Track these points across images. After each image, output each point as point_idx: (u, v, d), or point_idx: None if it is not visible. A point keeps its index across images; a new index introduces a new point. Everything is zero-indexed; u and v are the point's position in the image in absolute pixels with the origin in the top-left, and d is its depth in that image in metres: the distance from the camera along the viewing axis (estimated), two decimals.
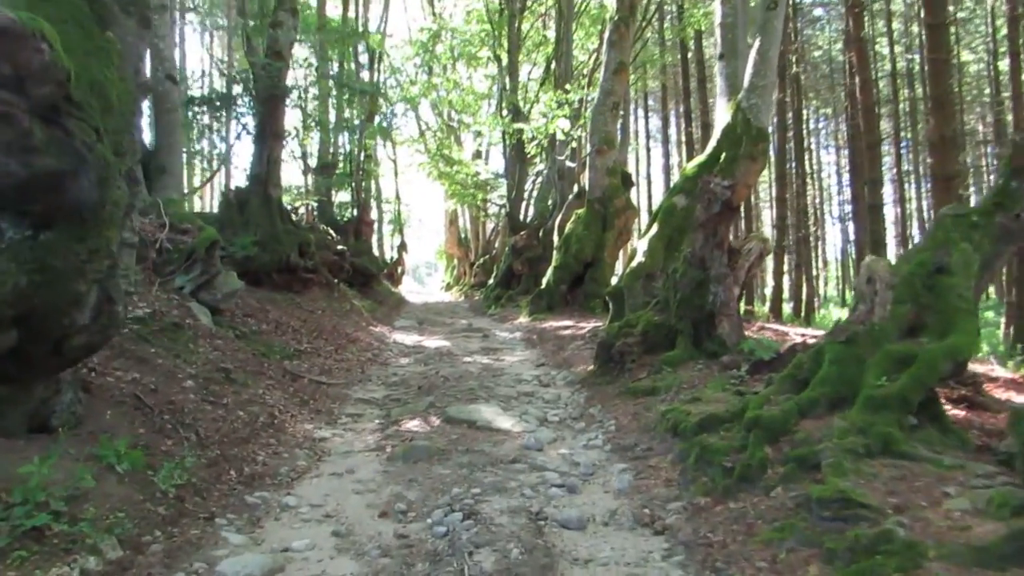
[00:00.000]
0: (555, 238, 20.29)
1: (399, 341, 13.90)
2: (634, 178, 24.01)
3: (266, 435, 6.34)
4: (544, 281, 18.81)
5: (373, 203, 33.94)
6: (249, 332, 9.63)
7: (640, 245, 11.97)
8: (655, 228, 11.92)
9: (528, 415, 7.31)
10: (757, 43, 11.40)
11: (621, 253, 22.49)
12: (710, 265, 7.95)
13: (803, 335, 10.48)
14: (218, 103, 14.44)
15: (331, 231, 19.99)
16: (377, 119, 29.77)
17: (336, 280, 17.02)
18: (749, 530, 3.86)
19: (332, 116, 26.09)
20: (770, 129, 12.45)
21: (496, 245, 46.38)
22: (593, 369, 8.87)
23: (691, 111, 33.41)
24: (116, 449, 4.54)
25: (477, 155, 42.99)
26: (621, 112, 18.53)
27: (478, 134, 39.28)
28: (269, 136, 14.36)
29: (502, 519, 4.40)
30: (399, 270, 36.97)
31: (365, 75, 28.96)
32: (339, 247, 18.11)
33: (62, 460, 4.16)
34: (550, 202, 29.72)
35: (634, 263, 11.79)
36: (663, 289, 8.60)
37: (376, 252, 34.18)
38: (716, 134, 11.94)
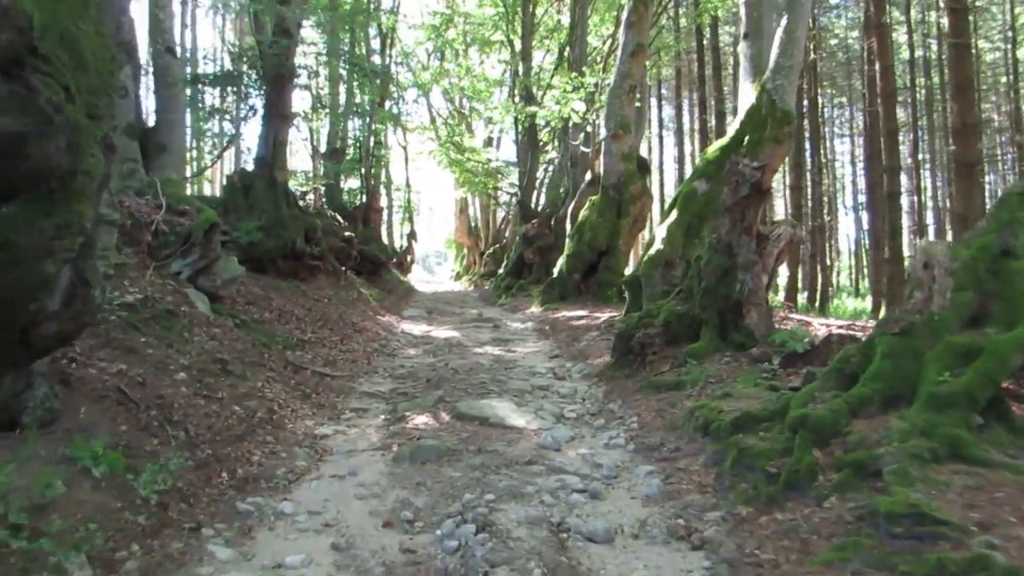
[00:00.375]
0: (568, 226, 19.81)
1: (407, 331, 13.46)
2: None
3: (263, 432, 5.89)
4: (556, 270, 18.33)
5: (383, 190, 33.48)
6: (250, 320, 9.19)
7: (658, 232, 11.48)
8: (674, 214, 11.42)
9: (544, 411, 6.85)
10: (784, 21, 10.85)
11: (637, 241, 21.95)
12: (737, 252, 7.45)
13: (827, 325, 10.00)
14: (224, 81, 13.96)
15: (339, 217, 19.53)
16: (388, 105, 29.32)
17: (343, 268, 16.58)
18: (804, 547, 3.38)
19: (342, 100, 25.66)
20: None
21: (506, 234, 45.91)
22: (611, 361, 8.39)
23: (706, 99, 32.78)
24: (93, 450, 4.11)
25: (488, 143, 42.48)
26: (638, 97, 17.95)
27: (489, 121, 38.74)
28: (275, 117, 13.90)
29: (520, 531, 3.94)
30: (408, 259, 36.54)
31: (376, 59, 28.46)
32: (347, 234, 17.65)
33: (29, 463, 3.72)
34: (562, 190, 29.23)
35: (652, 251, 11.30)
36: (687, 278, 8.11)
37: (386, 240, 33.79)
38: (739, 116, 11.41)
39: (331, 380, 8.25)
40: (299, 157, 33.25)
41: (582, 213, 17.62)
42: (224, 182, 14.51)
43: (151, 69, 9.49)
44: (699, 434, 5.26)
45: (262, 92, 14.13)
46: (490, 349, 11.00)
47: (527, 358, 10.15)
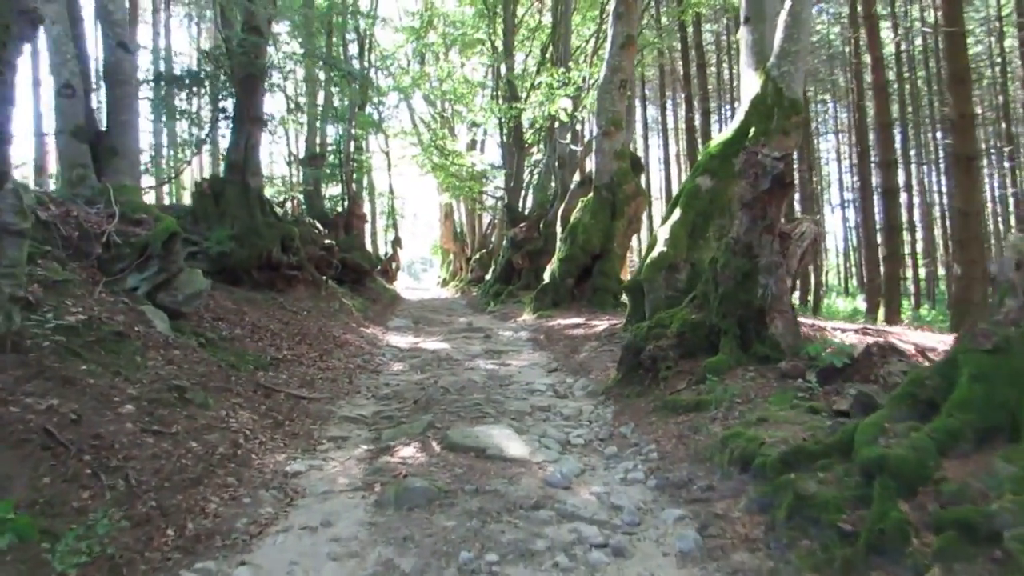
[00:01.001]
0: (558, 229, 19.04)
1: (393, 344, 12.61)
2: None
3: (224, 472, 5.06)
4: (548, 275, 17.53)
5: (366, 197, 32.60)
6: (218, 339, 8.34)
7: (660, 233, 10.70)
8: (677, 213, 10.64)
9: (547, 437, 6.04)
10: (788, 3, 10.13)
11: (632, 243, 21.18)
12: (759, 252, 6.67)
13: (842, 329, 9.24)
14: (187, 81, 13.08)
15: (318, 225, 18.68)
16: (368, 110, 28.50)
17: (324, 277, 15.74)
18: None
19: (320, 104, 24.80)
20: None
21: (493, 239, 45.17)
22: (618, 377, 7.58)
23: (691, 97, 32.12)
24: None
25: (472, 146, 41.74)
26: (628, 92, 17.19)
27: (473, 124, 37.98)
28: (247, 120, 13.06)
29: None
30: (393, 266, 35.73)
31: (355, 64, 27.62)
32: (327, 242, 16.81)
33: None
34: (550, 192, 28.49)
35: (655, 253, 10.52)
36: (702, 283, 7.31)
37: (370, 248, 32.95)
38: (743, 106, 10.66)
39: (307, 403, 7.41)
40: (278, 164, 32.41)
41: (574, 215, 16.83)
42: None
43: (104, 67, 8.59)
44: (735, 469, 4.47)
45: (231, 94, 13.27)
46: (483, 363, 10.18)
47: (523, 373, 9.34)
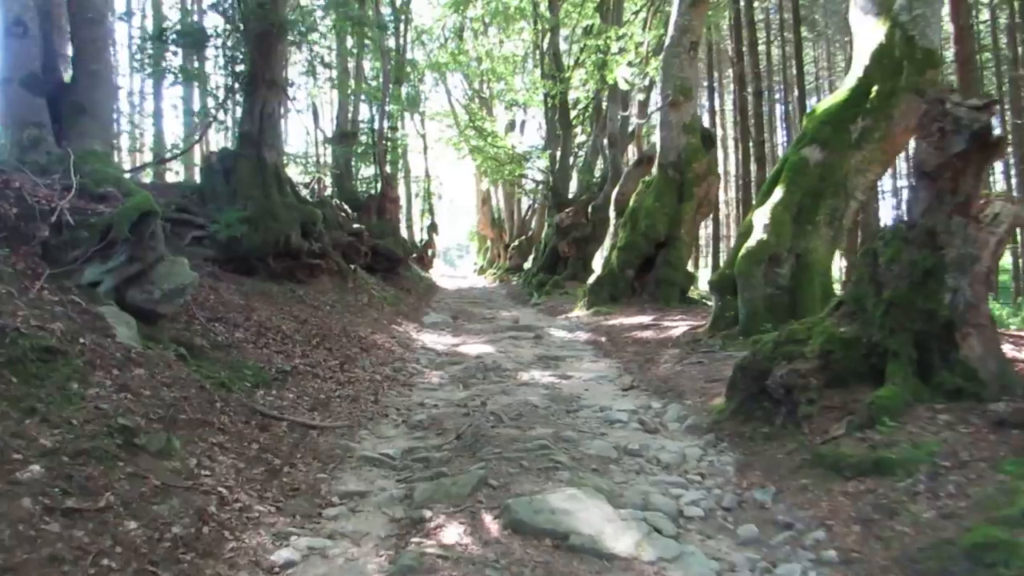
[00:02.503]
0: (611, 214, 17.15)
1: (429, 346, 10.81)
2: None
3: (174, 574, 3.28)
4: (600, 264, 15.64)
5: (400, 180, 30.90)
6: (208, 347, 6.58)
7: (757, 217, 8.73)
8: (778, 192, 8.67)
9: (652, 508, 4.17)
10: None
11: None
12: (946, 242, 4.72)
13: None
14: (194, 39, 11.34)
15: (346, 208, 16.94)
16: (404, 91, 26.75)
17: (352, 266, 14.00)
18: None
19: (352, 78, 23.04)
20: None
21: (533, 225, 43.35)
22: (729, 406, 5.68)
23: (744, 75, 29.81)
24: None
25: (511, 127, 39.87)
26: (701, 57, 15.15)
27: (513, 103, 36.10)
28: (262, 84, 11.31)
29: None
30: (429, 253, 34.07)
31: (391, 42, 25.88)
32: (356, 226, 15.06)
33: None
34: (597, 173, 26.54)
35: (751, 242, 8.57)
36: (857, 284, 5.35)
37: (404, 234, 31.37)
38: (860, 60, 8.65)
39: (318, 435, 5.63)
40: (299, 138, 30.75)
41: (633, 198, 14.90)
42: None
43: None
44: None
45: (243, 54, 11.51)
46: (538, 374, 8.33)
47: (592, 391, 7.46)
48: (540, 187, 36.22)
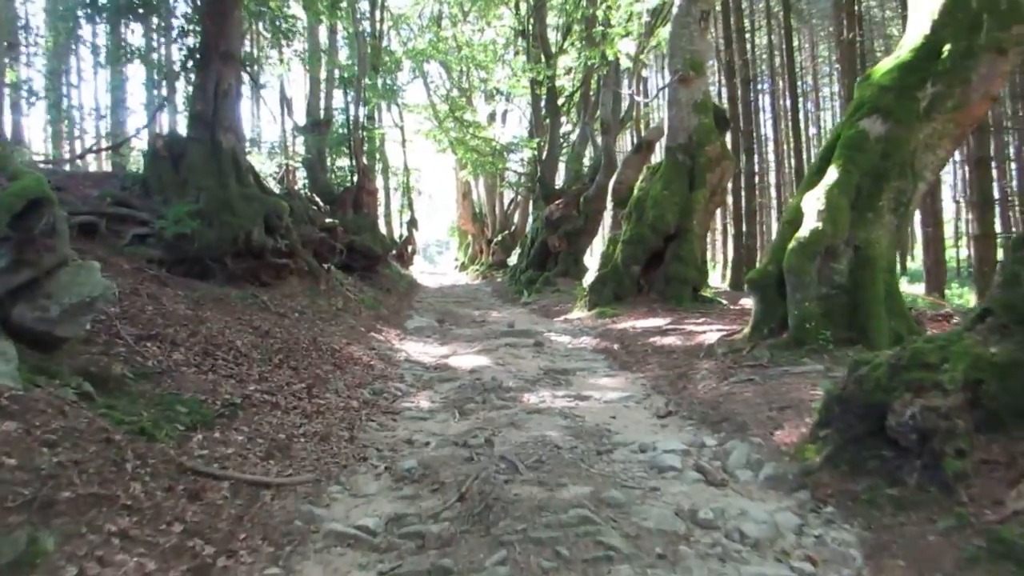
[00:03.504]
0: (608, 204, 15.74)
1: (414, 357, 9.31)
2: None
3: None
4: (599, 260, 14.21)
5: (378, 172, 29.32)
6: (131, 377, 5.07)
7: (808, 202, 7.30)
8: (833, 173, 7.24)
9: None
10: None
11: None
12: None
13: None
14: (136, 9, 9.76)
15: (319, 201, 15.41)
16: (380, 81, 25.21)
17: (325, 265, 12.49)
18: None
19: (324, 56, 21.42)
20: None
21: (516, 219, 41.95)
22: (823, 450, 4.24)
23: (732, 64, 28.46)
24: None
25: (491, 119, 38.38)
26: (712, 30, 13.75)
27: (496, 92, 34.60)
28: (216, 57, 9.78)
29: None
30: (409, 249, 32.56)
31: (367, 25, 24.30)
32: (329, 220, 13.54)
33: None
34: (586, 162, 25.13)
35: (803, 232, 7.13)
36: (1002, 286, 3.93)
37: (383, 230, 29.88)
38: (925, 13, 7.23)
39: (271, 499, 4.15)
40: (271, 129, 29.00)
41: (638, 186, 13.47)
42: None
43: None
44: None
45: (195, 24, 9.95)
46: (548, 395, 6.87)
47: (621, 418, 6.00)
48: (523, 179, 34.80)
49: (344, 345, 8.73)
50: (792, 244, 7.10)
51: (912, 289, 22.22)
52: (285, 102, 20.12)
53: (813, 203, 7.16)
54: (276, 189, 13.43)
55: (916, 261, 37.49)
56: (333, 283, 11.93)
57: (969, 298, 20.28)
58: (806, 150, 33.41)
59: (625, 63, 14.68)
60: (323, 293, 11.09)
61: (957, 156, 31.32)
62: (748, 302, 12.49)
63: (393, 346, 9.90)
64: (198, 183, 9.36)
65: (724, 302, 12.61)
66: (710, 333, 8.59)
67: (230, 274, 9.51)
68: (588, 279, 16.17)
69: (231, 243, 9.38)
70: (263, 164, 18.53)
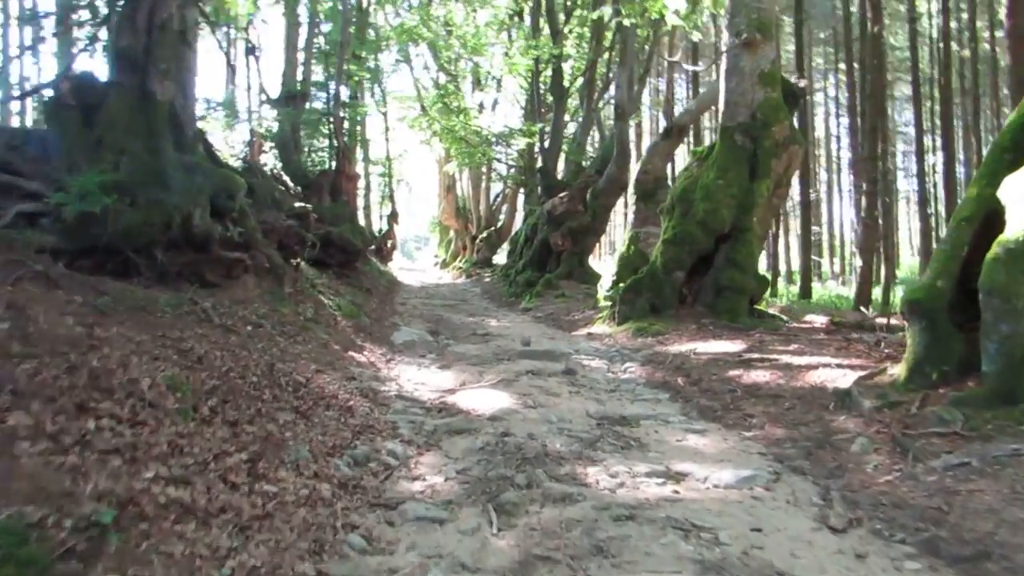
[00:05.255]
0: (617, 198, 13.36)
1: (409, 392, 6.81)
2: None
3: None
4: (617, 263, 11.85)
5: (360, 156, 26.81)
6: None
7: (1008, 192, 4.93)
8: None
9: None
10: None
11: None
12: None
13: None
14: None
15: (287, 181, 12.91)
16: (365, 54, 22.79)
17: (295, 260, 10.01)
18: None
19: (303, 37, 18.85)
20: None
21: (503, 215, 39.70)
22: None
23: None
24: None
25: (480, 109, 35.97)
26: None
27: (488, 76, 32.17)
28: None
29: None
30: (389, 244, 30.10)
31: None
32: (298, 204, 11.05)
33: None
34: (590, 152, 22.79)
35: (1014, 234, 4.75)
36: None
37: (363, 222, 27.46)
38: None
39: None
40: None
41: (682, 174, 11.10)
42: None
43: None
44: None
45: None
46: (626, 473, 4.44)
47: (774, 535, 3.58)
48: (513, 171, 32.45)
49: (313, 374, 6.26)
50: (994, 252, 4.73)
51: None
52: (254, 55, 17.41)
53: (1019, 195, 4.80)
54: (236, 164, 10.92)
55: None
56: (303, 284, 9.45)
57: None
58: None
59: (676, 21, 12.17)
60: (289, 297, 8.60)
61: None
62: (818, 319, 10.19)
63: (379, 373, 7.42)
64: (119, 145, 6.85)
65: (785, 318, 10.27)
66: (823, 369, 6.22)
67: (161, 271, 7.02)
68: (606, 283, 13.82)
69: (163, 229, 6.89)
70: (224, 136, 15.92)
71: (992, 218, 5.00)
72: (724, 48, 10.52)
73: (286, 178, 13.81)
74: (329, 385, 6.16)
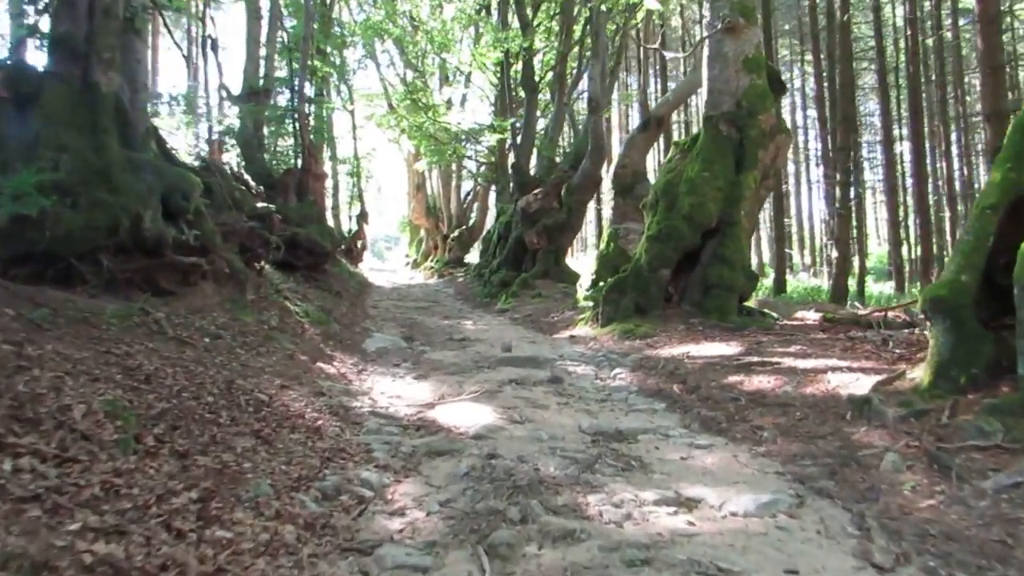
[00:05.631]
0: (593, 194, 12.88)
1: (383, 408, 6.24)
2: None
3: None
4: (596, 261, 11.36)
5: (327, 155, 26.09)
6: None
7: None
8: None
9: None
10: None
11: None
12: None
13: None
14: None
15: (248, 180, 12.29)
16: (330, 48, 22.13)
17: (260, 264, 9.41)
18: None
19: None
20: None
21: (474, 212, 39.18)
22: None
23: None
24: None
25: (448, 105, 35.39)
26: None
27: (457, 72, 31.59)
28: None
29: None
30: (359, 245, 29.49)
31: None
32: (261, 205, 10.43)
33: None
34: (563, 147, 22.30)
35: None
36: None
37: (331, 223, 26.81)
38: None
39: None
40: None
41: (664, 167, 10.63)
42: None
43: None
44: None
45: None
46: (632, 501, 3.93)
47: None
48: (484, 169, 31.93)
49: (277, 391, 5.70)
50: None
51: None
52: (213, 49, 16.70)
53: None
54: (194, 163, 10.27)
55: None
56: (266, 289, 8.85)
57: None
58: None
59: (654, 5, 11.61)
60: (251, 304, 8.01)
61: None
62: (809, 315, 9.77)
63: (350, 386, 6.85)
64: (58, 140, 6.22)
65: (776, 316, 9.84)
66: (832, 373, 5.75)
67: (109, 279, 6.42)
68: (585, 282, 13.34)
69: (108, 232, 6.28)
70: (185, 135, 15.20)
71: (1019, 205, 4.55)
72: (706, 33, 10.04)
73: (248, 177, 13.15)
74: (295, 402, 5.59)
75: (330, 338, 8.92)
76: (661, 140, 25.84)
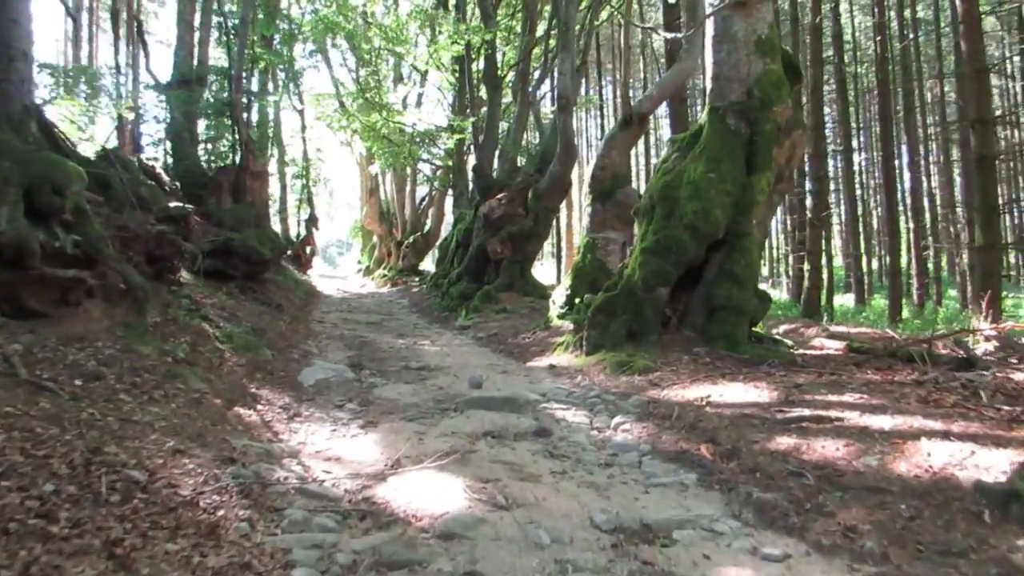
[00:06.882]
0: (562, 199, 11.36)
1: (316, 483, 4.54)
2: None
3: None
4: (571, 276, 9.86)
5: (273, 156, 24.24)
6: None
7: None
8: None
9: None
10: None
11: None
12: None
13: None
14: None
15: (160, 174, 10.55)
16: (277, 39, 20.40)
17: (171, 275, 7.68)
18: None
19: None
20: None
21: (430, 218, 37.63)
22: None
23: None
24: None
25: (403, 105, 33.75)
26: None
27: (413, 70, 29.96)
28: None
29: None
30: (308, 251, 27.74)
31: None
32: (176, 205, 8.70)
33: None
34: (527, 147, 20.80)
35: None
36: None
37: (278, 228, 25.02)
38: None
39: None
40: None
41: (659, 167, 9.15)
42: None
43: None
44: None
45: None
46: None
47: None
48: (440, 173, 30.36)
49: (165, 460, 4.03)
50: None
51: None
52: (138, 29, 14.82)
53: None
54: (90, 152, 8.53)
55: None
56: (178, 309, 7.14)
57: None
58: None
59: None
60: (154, 329, 6.31)
61: None
62: (827, 343, 8.36)
63: (274, 443, 5.18)
64: None
65: (791, 344, 8.40)
66: (927, 441, 4.26)
67: None
68: (559, 298, 11.82)
69: None
70: (85, 122, 13.30)
71: None
72: (711, 8, 8.59)
73: (161, 172, 11.40)
74: (187, 480, 3.94)
75: (258, 369, 7.23)
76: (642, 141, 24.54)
